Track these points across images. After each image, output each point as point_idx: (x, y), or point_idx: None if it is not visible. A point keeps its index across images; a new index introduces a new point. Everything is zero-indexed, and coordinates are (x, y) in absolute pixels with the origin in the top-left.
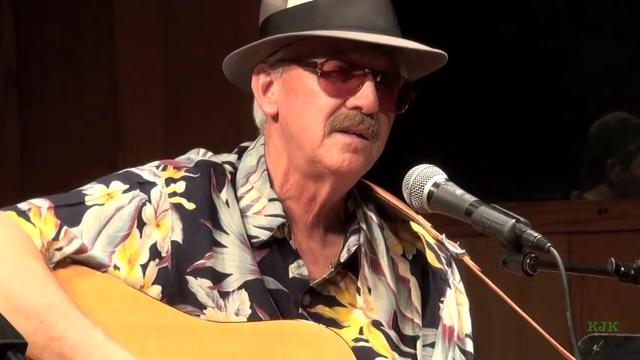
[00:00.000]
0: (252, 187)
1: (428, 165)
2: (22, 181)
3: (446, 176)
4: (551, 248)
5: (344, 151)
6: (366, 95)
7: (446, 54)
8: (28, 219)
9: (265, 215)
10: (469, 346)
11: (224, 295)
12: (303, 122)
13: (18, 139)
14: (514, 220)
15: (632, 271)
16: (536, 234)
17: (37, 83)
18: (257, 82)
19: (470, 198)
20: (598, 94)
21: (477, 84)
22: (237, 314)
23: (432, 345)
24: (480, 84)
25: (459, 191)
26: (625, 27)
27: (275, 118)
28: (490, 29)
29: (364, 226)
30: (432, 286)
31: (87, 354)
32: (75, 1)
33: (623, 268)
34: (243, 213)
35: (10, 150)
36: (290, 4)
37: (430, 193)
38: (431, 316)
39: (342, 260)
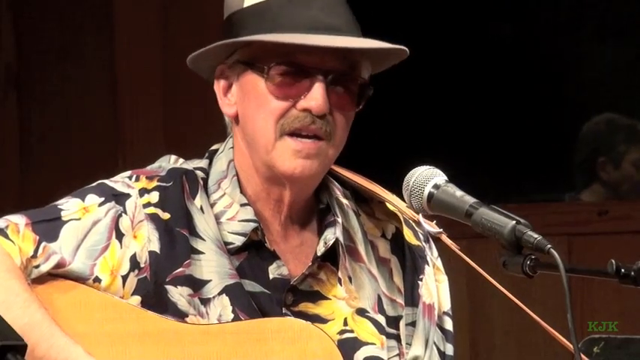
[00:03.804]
0: (224, 194)
1: (428, 166)
2: (21, 180)
3: (446, 178)
4: (552, 250)
5: (295, 157)
6: (315, 97)
7: (399, 46)
8: (6, 236)
9: (239, 221)
10: (448, 324)
11: (205, 301)
12: (256, 125)
13: (17, 139)
14: (514, 222)
15: (633, 273)
16: (536, 235)
17: (37, 83)
18: (218, 85)
19: (470, 199)
20: (598, 95)
21: (478, 85)
22: (219, 320)
23: (414, 324)
24: (481, 85)
25: (459, 193)
26: (624, 29)
27: (236, 120)
28: (490, 30)
29: (339, 218)
30: (411, 263)
31: None
32: (75, 2)
33: (623, 270)
34: (217, 219)
35: (10, 150)
36: (246, 4)
37: (430, 195)
38: (411, 295)
39: (319, 254)
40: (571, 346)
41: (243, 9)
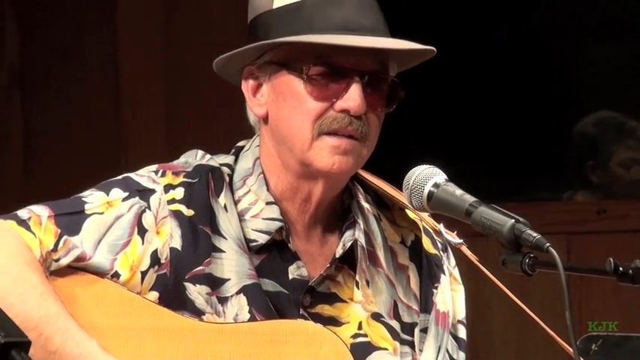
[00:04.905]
0: (249, 190)
1: (428, 166)
2: (24, 179)
3: (446, 177)
4: (550, 248)
5: (333, 153)
6: (353, 98)
7: (431, 47)
8: (28, 228)
9: (263, 219)
10: (461, 333)
11: (222, 300)
12: (291, 125)
13: (21, 137)
14: (513, 221)
15: (631, 271)
16: (535, 234)
17: (41, 84)
18: (247, 85)
19: (469, 198)
20: (597, 95)
21: (478, 86)
22: (235, 319)
23: (426, 330)
24: (481, 86)
25: (458, 192)
26: (624, 29)
27: (265, 119)
28: (489, 31)
29: (360, 220)
30: (427, 271)
31: None
32: (78, 4)
33: (621, 268)
34: (241, 216)
35: (14, 148)
36: (276, 5)
37: (430, 194)
38: (425, 302)
39: (337, 256)
40: (569, 347)
41: (272, 10)
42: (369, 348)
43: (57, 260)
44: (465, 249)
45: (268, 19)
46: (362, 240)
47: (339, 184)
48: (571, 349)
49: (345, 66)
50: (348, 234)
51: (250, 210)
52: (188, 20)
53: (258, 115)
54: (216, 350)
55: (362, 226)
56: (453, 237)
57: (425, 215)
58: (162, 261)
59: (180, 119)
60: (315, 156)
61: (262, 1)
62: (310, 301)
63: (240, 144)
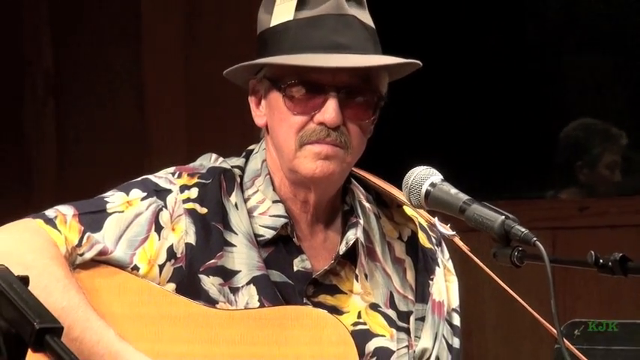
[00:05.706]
0: (258, 190)
1: (425, 167)
2: (58, 177)
3: (442, 177)
4: (537, 242)
5: (315, 159)
6: (328, 111)
7: (394, 59)
8: (54, 226)
9: (270, 216)
10: (456, 320)
11: (234, 290)
12: (280, 137)
13: (55, 140)
14: (503, 217)
15: (610, 263)
16: (523, 229)
17: (73, 93)
18: (251, 99)
19: (463, 196)
20: (580, 102)
21: (473, 95)
22: (246, 308)
23: (423, 319)
24: (475, 95)
25: (453, 190)
26: (608, 41)
27: (267, 129)
28: (484, 42)
29: (361, 220)
30: (423, 265)
31: (101, 355)
32: (106, 16)
33: (601, 261)
34: (250, 213)
35: (49, 150)
36: (272, 23)
37: (427, 192)
38: (421, 293)
39: (340, 253)
40: (554, 330)
41: (269, 28)
42: (368, 335)
43: (81, 255)
44: (457, 240)
45: (266, 37)
46: (362, 238)
47: (329, 188)
48: (556, 333)
49: (321, 82)
50: (350, 233)
51: (258, 208)
52: (206, 35)
53: (260, 125)
54: (228, 334)
55: (362, 224)
56: (446, 229)
57: (421, 210)
58: (178, 255)
59: (199, 127)
60: (300, 164)
61: (264, 18)
62: (313, 291)
63: (250, 147)
